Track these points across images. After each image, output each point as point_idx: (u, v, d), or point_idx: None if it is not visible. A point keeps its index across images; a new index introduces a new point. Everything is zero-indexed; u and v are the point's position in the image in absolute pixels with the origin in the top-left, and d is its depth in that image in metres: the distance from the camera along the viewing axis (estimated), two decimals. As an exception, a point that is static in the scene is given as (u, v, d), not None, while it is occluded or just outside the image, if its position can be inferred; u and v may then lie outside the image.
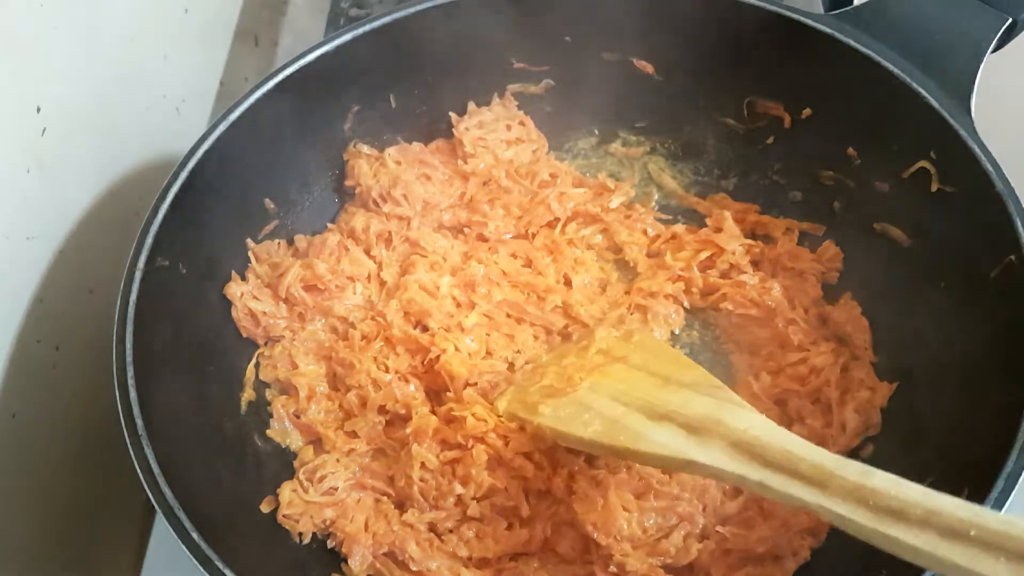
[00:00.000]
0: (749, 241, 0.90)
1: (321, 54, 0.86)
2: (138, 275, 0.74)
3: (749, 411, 0.64)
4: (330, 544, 0.77)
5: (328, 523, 0.77)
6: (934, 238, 0.80)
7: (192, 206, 0.79)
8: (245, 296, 0.85)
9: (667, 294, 0.88)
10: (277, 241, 0.90)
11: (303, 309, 0.86)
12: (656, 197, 0.97)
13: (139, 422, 0.67)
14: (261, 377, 0.85)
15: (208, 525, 0.65)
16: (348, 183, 0.94)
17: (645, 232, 0.93)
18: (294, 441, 0.83)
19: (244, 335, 0.85)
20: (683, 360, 0.73)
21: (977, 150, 0.75)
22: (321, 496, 0.77)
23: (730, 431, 0.62)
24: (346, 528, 0.76)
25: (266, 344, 0.86)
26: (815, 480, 0.55)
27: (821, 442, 0.77)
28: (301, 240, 0.91)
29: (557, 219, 0.92)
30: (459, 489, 0.75)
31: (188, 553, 0.63)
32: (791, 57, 0.86)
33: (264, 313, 0.85)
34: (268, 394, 0.85)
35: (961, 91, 0.78)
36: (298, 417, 0.82)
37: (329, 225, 0.93)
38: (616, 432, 0.67)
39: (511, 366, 0.82)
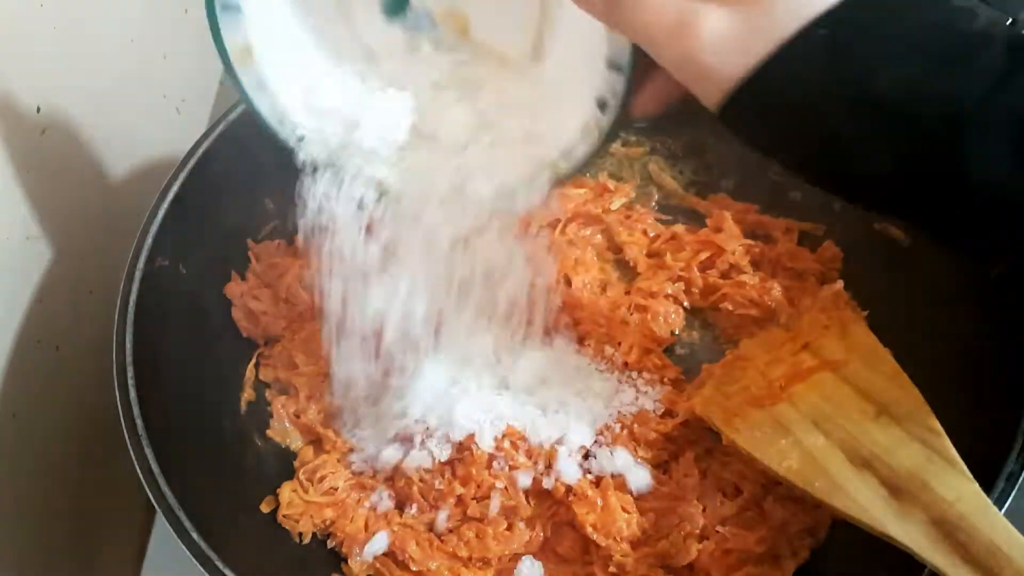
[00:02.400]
0: (749, 241, 0.90)
1: (321, 54, 0.86)
2: (138, 275, 0.74)
3: (962, 475, 0.59)
4: (330, 544, 0.77)
5: (328, 523, 0.77)
6: (934, 238, 0.80)
7: (192, 206, 0.79)
8: (245, 296, 0.85)
9: (667, 294, 0.88)
10: (277, 241, 0.90)
11: (303, 309, 0.86)
12: (656, 197, 0.97)
13: (139, 422, 0.67)
14: (261, 377, 0.85)
15: (208, 525, 0.64)
16: (348, 183, 0.94)
17: (645, 232, 0.92)
18: (294, 441, 0.83)
19: (244, 335, 0.85)
20: (900, 379, 0.66)
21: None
22: (321, 496, 0.77)
23: (935, 500, 0.58)
24: (346, 528, 0.76)
25: (266, 344, 0.86)
26: None
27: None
28: (301, 240, 0.91)
29: (557, 219, 0.92)
30: (459, 489, 0.75)
31: (188, 553, 0.63)
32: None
33: (264, 313, 0.85)
34: (268, 394, 0.85)
35: (961, 91, 0.78)
36: (298, 417, 0.82)
37: (329, 225, 0.93)
38: (812, 476, 0.63)
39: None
